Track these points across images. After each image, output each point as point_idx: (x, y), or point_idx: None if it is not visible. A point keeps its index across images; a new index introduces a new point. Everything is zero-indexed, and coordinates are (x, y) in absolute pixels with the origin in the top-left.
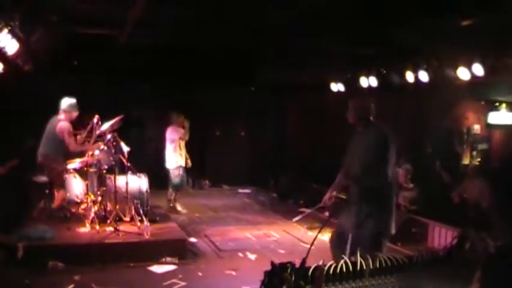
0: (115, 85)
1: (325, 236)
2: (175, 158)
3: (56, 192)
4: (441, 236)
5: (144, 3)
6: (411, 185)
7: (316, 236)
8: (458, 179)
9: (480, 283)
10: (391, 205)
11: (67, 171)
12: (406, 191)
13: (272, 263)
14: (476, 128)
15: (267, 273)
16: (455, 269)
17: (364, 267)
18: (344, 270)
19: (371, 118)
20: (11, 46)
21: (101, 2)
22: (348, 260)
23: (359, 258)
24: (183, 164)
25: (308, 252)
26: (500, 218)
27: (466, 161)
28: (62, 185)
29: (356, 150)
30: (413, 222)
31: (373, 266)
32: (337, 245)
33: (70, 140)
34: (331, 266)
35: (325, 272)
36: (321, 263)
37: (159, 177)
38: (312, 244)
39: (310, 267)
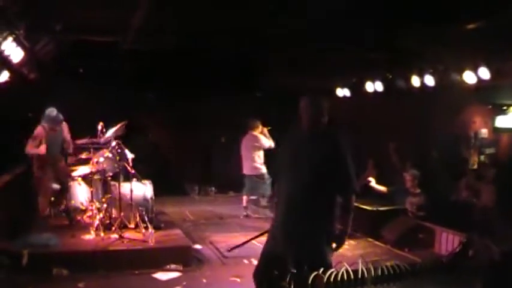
0: (120, 92)
1: None
2: (259, 165)
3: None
4: (448, 242)
5: (146, 10)
6: (418, 190)
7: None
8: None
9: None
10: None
11: (72, 178)
12: (413, 197)
13: (271, 271)
14: (484, 132)
15: (268, 282)
16: (458, 277)
17: (366, 275)
18: (345, 278)
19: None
20: (16, 54)
21: (104, 9)
22: (348, 268)
23: (361, 266)
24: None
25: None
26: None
27: (473, 165)
28: (41, 191)
29: (304, 158)
30: (420, 227)
31: (375, 273)
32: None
33: (29, 143)
34: (331, 273)
35: (325, 279)
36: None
37: (163, 184)
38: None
39: (310, 275)
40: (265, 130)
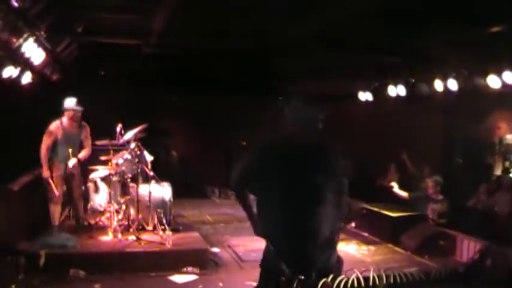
0: (141, 95)
1: (349, 247)
2: None
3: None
4: (470, 249)
5: (168, 14)
6: (441, 197)
7: None
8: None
9: None
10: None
11: (90, 179)
12: (434, 203)
13: (279, 277)
14: (509, 138)
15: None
16: (474, 286)
17: (377, 283)
18: (356, 285)
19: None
20: (38, 56)
21: (125, 13)
22: (359, 275)
23: (372, 273)
24: None
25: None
26: None
27: (498, 171)
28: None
29: (304, 163)
30: (441, 234)
31: (387, 282)
32: None
33: (43, 140)
34: (341, 280)
35: (335, 287)
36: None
37: (184, 187)
38: None
39: (319, 282)
40: None
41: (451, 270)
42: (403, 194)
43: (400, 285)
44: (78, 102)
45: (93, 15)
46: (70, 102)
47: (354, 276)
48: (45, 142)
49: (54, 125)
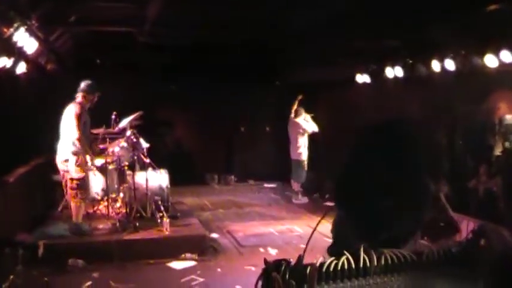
0: (138, 84)
1: None
2: (305, 151)
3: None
4: (469, 230)
5: (161, 2)
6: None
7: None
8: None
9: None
10: None
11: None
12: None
13: (265, 261)
14: (509, 118)
15: (262, 272)
16: (468, 267)
17: (368, 265)
18: (346, 267)
19: None
20: (30, 45)
21: (118, 0)
22: (349, 257)
23: (362, 254)
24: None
25: (305, 249)
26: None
27: (498, 152)
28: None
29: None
30: (441, 216)
31: (378, 263)
32: None
33: (76, 124)
34: (331, 262)
35: (324, 269)
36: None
37: (184, 174)
38: (309, 239)
39: (307, 265)
40: (308, 116)
41: (444, 250)
42: None
43: (391, 266)
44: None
45: (86, 4)
46: (94, 85)
47: (344, 258)
48: (79, 128)
49: (79, 108)
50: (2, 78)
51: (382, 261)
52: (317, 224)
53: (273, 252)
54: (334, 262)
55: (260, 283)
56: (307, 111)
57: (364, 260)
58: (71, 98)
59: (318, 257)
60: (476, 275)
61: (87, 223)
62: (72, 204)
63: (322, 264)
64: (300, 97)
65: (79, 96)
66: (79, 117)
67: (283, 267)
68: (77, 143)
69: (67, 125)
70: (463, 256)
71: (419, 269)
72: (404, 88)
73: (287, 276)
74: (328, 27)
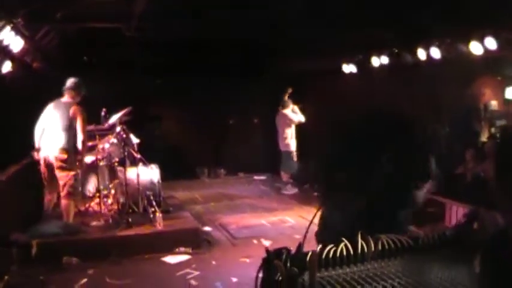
0: (126, 80)
1: None
2: (292, 141)
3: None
4: (459, 215)
5: None
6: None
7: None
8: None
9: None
10: None
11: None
12: None
13: (266, 250)
14: (494, 104)
15: (263, 261)
16: (462, 251)
17: (366, 251)
18: (344, 254)
19: None
20: (16, 43)
21: None
22: (348, 243)
23: (360, 241)
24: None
25: (304, 237)
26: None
27: (484, 138)
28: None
29: None
30: (429, 201)
31: (375, 248)
32: None
33: (84, 126)
34: (330, 249)
35: (323, 256)
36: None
37: (174, 168)
38: (308, 228)
39: (307, 253)
40: (295, 107)
41: (439, 235)
42: None
43: (388, 251)
44: None
45: (72, 0)
46: (81, 83)
47: (342, 244)
48: (86, 128)
49: (81, 110)
50: None
51: (379, 247)
52: (313, 217)
53: (266, 244)
54: (333, 249)
55: (261, 273)
56: (295, 102)
57: (362, 246)
58: (58, 96)
59: (311, 246)
60: (470, 257)
61: (79, 221)
62: (63, 203)
63: (321, 251)
64: (289, 90)
65: (66, 95)
66: (84, 120)
67: (284, 256)
68: (80, 144)
69: (65, 122)
70: (457, 240)
71: (415, 253)
72: (390, 77)
73: (288, 263)
74: (314, 18)
